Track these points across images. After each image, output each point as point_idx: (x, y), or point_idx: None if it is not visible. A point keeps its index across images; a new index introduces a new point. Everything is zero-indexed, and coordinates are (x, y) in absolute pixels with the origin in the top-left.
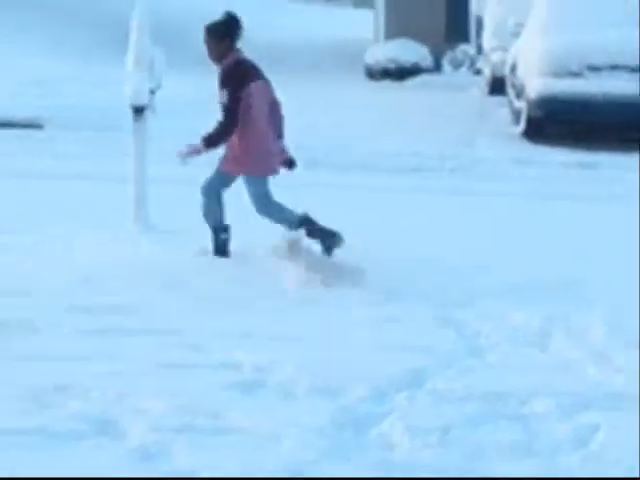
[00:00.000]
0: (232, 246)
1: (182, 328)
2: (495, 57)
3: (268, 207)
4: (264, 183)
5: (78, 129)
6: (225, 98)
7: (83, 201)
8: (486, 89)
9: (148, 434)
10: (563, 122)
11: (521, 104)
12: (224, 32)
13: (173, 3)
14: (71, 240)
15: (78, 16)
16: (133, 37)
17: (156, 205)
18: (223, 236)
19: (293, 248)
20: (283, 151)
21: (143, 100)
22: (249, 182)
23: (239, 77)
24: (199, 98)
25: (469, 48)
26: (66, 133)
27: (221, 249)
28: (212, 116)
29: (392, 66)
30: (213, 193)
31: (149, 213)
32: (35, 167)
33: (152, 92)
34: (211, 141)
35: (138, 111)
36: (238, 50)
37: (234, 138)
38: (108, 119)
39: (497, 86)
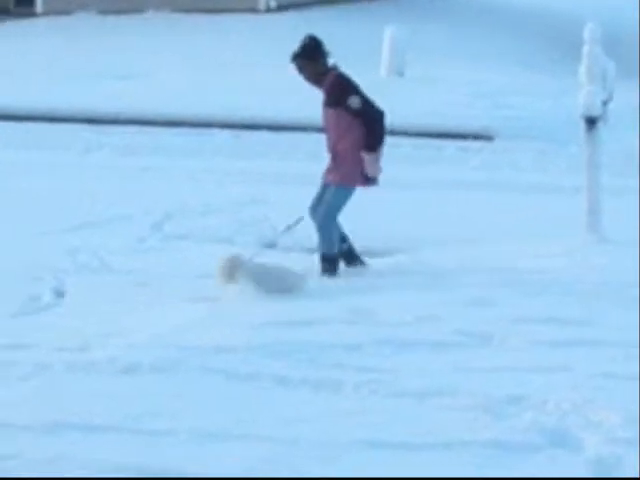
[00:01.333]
0: None
1: (633, 340)
2: None
3: (331, 216)
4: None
5: (527, 140)
6: (357, 102)
7: (533, 212)
8: None
9: (603, 446)
10: None
11: None
12: (314, 54)
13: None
14: (525, 250)
15: (523, 27)
16: (586, 49)
17: (609, 216)
18: None
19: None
20: None
21: (596, 111)
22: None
23: (352, 85)
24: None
25: None
26: (516, 144)
27: None
28: None
29: None
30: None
31: (602, 224)
32: (484, 179)
33: (604, 103)
34: (374, 143)
35: (591, 122)
36: (334, 66)
37: (341, 148)
38: (556, 130)
39: None
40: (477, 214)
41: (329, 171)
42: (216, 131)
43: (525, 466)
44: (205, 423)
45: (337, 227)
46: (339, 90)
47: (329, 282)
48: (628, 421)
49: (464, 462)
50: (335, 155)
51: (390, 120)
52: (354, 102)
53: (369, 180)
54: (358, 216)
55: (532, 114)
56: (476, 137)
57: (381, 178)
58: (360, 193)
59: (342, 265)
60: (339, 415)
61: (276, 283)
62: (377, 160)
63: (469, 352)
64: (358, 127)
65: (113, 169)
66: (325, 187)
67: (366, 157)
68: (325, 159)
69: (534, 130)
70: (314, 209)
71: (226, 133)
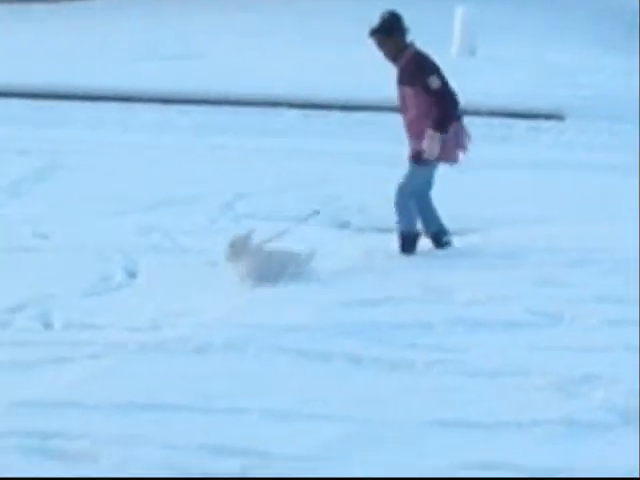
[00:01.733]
0: None
1: None
2: None
3: (408, 191)
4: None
5: (599, 120)
6: (436, 82)
7: (605, 192)
8: None
9: None
10: None
11: None
12: (393, 30)
13: None
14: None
15: (596, 4)
16: None
17: None
18: None
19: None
20: None
21: None
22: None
23: (431, 64)
24: None
25: None
26: (587, 124)
27: None
28: None
29: None
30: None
31: None
32: (555, 158)
33: None
34: (444, 123)
35: None
36: (412, 44)
37: (421, 127)
38: (629, 109)
39: None
40: (548, 194)
41: (410, 149)
42: (285, 110)
43: (596, 445)
44: (277, 402)
45: (413, 205)
46: (418, 68)
47: (402, 260)
48: None
49: (536, 441)
50: (414, 134)
51: (461, 99)
52: (434, 82)
53: (444, 157)
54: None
55: (605, 93)
56: (547, 116)
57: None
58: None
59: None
60: (412, 395)
61: (278, 269)
62: (438, 142)
63: (541, 331)
64: (436, 106)
65: (184, 149)
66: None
67: (429, 133)
68: (400, 138)
69: (606, 109)
70: None
71: (296, 112)
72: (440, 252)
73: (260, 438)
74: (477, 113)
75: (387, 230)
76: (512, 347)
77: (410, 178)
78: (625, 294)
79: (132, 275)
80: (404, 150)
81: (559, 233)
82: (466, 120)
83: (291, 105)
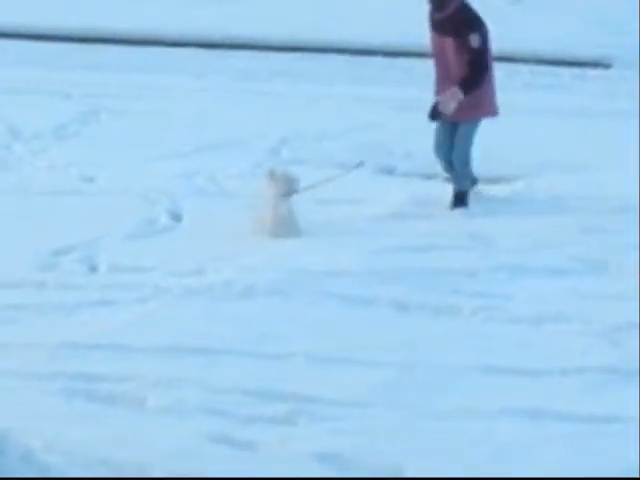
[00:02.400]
0: None
1: None
2: None
3: (469, 152)
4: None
5: None
6: (477, 41)
7: None
8: None
9: None
10: None
11: None
12: None
13: None
14: None
15: None
16: None
17: None
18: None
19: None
20: None
21: None
22: (472, 125)
23: (478, 19)
24: None
25: None
26: (634, 72)
27: None
28: None
29: None
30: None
31: None
32: (601, 106)
33: None
34: (470, 86)
35: None
36: None
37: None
38: None
39: None
40: (593, 142)
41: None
42: (332, 56)
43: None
44: (322, 347)
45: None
46: (464, 21)
47: (446, 207)
48: None
49: (579, 388)
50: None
51: (507, 47)
52: (475, 40)
53: (496, 111)
54: (475, 143)
55: None
56: (594, 64)
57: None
58: None
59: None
60: (456, 341)
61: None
62: (457, 101)
63: (584, 278)
64: (469, 65)
65: (230, 94)
66: (452, 124)
67: (453, 89)
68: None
69: None
70: (440, 147)
71: (342, 58)
72: (484, 199)
73: (305, 383)
74: (523, 60)
75: (432, 176)
76: (555, 294)
77: (470, 135)
78: None
79: (177, 219)
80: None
81: (604, 181)
82: (511, 67)
83: (337, 51)
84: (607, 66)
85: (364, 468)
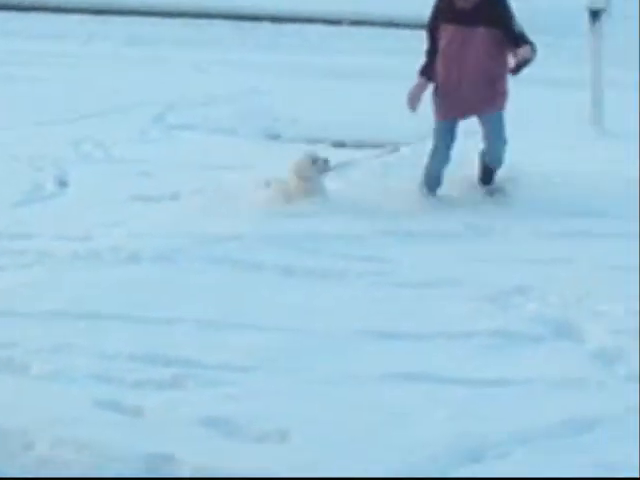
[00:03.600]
0: None
1: (634, 231)
2: None
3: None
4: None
5: (531, 33)
6: (518, 27)
7: (536, 105)
8: None
9: (607, 337)
10: None
11: None
12: None
13: None
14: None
15: None
16: None
17: (611, 109)
18: None
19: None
20: None
21: (600, 4)
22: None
23: (509, 4)
24: None
25: None
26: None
27: None
28: None
29: None
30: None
31: (604, 117)
32: None
33: None
34: (533, 54)
35: (595, 15)
36: None
37: (500, 72)
38: (559, 23)
39: None
40: None
41: (483, 100)
42: (218, 22)
43: (528, 356)
44: (210, 312)
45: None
46: (498, 6)
47: (333, 173)
48: (631, 312)
49: (468, 352)
50: (485, 79)
51: (396, 12)
52: (517, 25)
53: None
54: (361, 107)
55: (535, 6)
56: None
57: (387, 69)
58: (366, 85)
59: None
60: (343, 306)
61: None
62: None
63: (471, 243)
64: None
65: (115, 59)
66: (484, 118)
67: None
68: (328, 49)
69: (538, 23)
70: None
71: (228, 24)
72: (373, 164)
73: (192, 348)
74: (409, 26)
75: (317, 141)
76: (444, 259)
77: (502, 128)
78: (557, 207)
79: (64, 185)
80: (331, 61)
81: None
82: (401, 33)
83: (224, 17)
84: None
85: (250, 433)
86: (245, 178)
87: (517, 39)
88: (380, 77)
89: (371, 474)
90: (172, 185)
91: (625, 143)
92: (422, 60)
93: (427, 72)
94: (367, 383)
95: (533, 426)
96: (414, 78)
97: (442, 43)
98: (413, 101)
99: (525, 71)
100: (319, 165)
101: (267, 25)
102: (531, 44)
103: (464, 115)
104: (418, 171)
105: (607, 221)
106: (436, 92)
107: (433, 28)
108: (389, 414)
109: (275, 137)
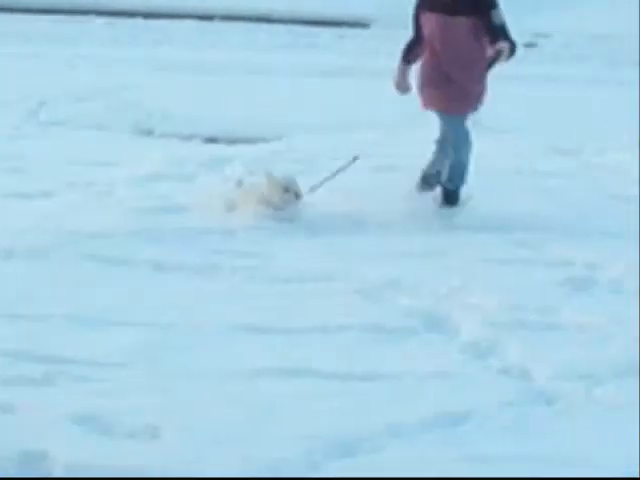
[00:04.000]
0: None
1: (511, 225)
2: None
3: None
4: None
5: (403, 28)
6: (499, 18)
7: (410, 100)
8: None
9: (480, 330)
10: None
11: None
12: None
13: None
14: (402, 137)
15: None
16: None
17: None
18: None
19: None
20: None
21: None
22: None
23: None
24: None
25: None
26: (392, 32)
27: None
28: None
29: None
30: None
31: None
32: (360, 66)
33: None
34: (511, 53)
35: None
36: None
37: (480, 67)
38: None
39: None
40: (354, 101)
41: (455, 97)
42: (91, 18)
43: (401, 350)
44: (81, 309)
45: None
46: None
47: (202, 168)
48: (503, 306)
49: (342, 346)
50: (464, 72)
51: (264, 7)
52: (496, 16)
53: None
54: (233, 103)
55: (408, 1)
56: (352, 25)
57: (259, 65)
58: (237, 80)
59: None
60: (215, 300)
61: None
62: (505, 54)
63: (344, 237)
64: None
65: None
66: (447, 115)
67: (500, 44)
68: (197, 44)
69: (409, 18)
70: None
71: (101, 20)
72: (245, 159)
73: (63, 344)
74: (282, 21)
75: (190, 137)
76: (316, 253)
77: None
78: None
79: None
80: (201, 56)
81: (360, 141)
82: (273, 28)
83: (96, 13)
84: (365, 26)
85: (122, 430)
86: (117, 174)
87: (495, 33)
88: (251, 72)
89: (244, 469)
90: (45, 181)
91: (495, 137)
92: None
93: (406, 57)
94: (240, 378)
95: (406, 419)
96: (286, 73)
97: (425, 32)
98: (401, 87)
99: None
100: (289, 196)
101: (139, 21)
102: (511, 41)
103: (435, 108)
104: (291, 165)
105: (479, 213)
106: (418, 81)
107: (417, 15)
108: (263, 409)
109: (148, 133)
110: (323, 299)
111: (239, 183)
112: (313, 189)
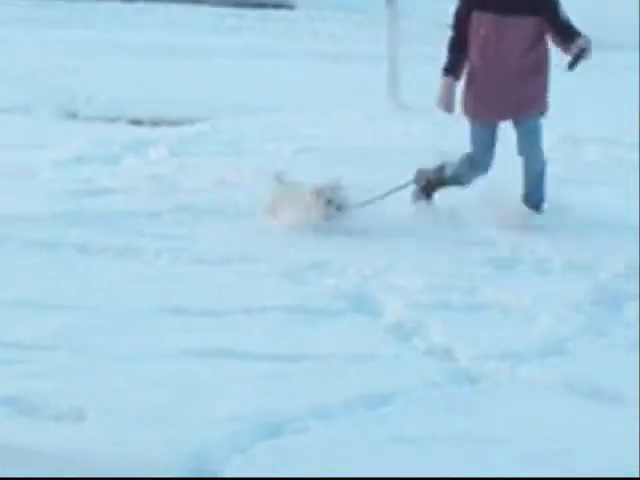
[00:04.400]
0: None
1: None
2: None
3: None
4: None
5: (330, 9)
6: (564, 12)
7: (335, 81)
8: None
9: (405, 311)
10: None
11: None
12: None
13: None
14: (326, 118)
15: None
16: None
17: (409, 84)
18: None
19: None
20: None
21: None
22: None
23: None
24: None
25: None
26: (317, 13)
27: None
28: None
29: None
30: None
31: (401, 91)
32: (285, 47)
33: None
34: (590, 45)
35: None
36: None
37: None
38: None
39: None
40: (279, 83)
41: (521, 102)
42: (17, 0)
43: (326, 331)
44: (5, 291)
45: None
46: None
47: (128, 150)
48: (429, 287)
49: (266, 328)
50: (527, 73)
51: None
52: (563, 11)
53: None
54: (157, 85)
55: None
56: (277, 6)
57: (183, 46)
58: (162, 62)
59: None
60: (140, 282)
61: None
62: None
63: (262, 219)
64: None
65: None
66: (519, 121)
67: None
68: (124, 24)
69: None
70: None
71: (25, 3)
72: (170, 141)
73: None
74: (206, 2)
75: (115, 119)
76: (239, 235)
77: (540, 135)
78: (356, 180)
79: None
80: (125, 38)
81: (289, 122)
82: (197, 10)
83: None
84: (290, 7)
85: (47, 411)
86: (41, 156)
87: (566, 29)
88: (176, 54)
89: (168, 452)
90: None
91: (420, 116)
92: (446, 56)
93: (454, 70)
94: (165, 360)
95: (331, 400)
96: (211, 54)
97: (477, 34)
98: (448, 106)
99: (327, 46)
100: (331, 209)
101: (62, 3)
102: (582, 34)
103: (502, 117)
104: (215, 147)
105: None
106: (469, 89)
107: (463, 17)
108: (187, 390)
109: (72, 116)
110: (248, 281)
111: (278, 178)
112: (364, 204)
